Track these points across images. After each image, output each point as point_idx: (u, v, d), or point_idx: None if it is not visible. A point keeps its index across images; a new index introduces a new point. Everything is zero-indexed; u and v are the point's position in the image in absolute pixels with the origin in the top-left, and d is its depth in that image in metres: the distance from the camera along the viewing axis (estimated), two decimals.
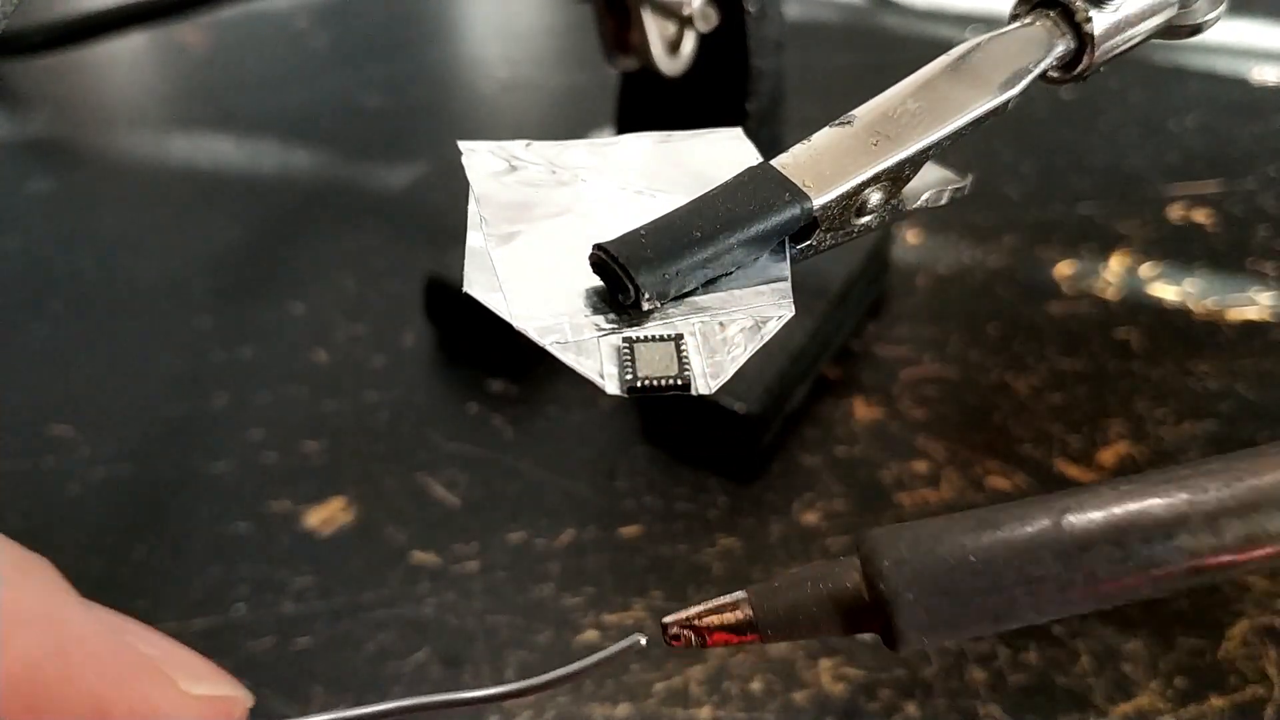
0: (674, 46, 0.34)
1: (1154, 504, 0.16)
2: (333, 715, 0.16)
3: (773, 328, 0.18)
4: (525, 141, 0.21)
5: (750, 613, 0.17)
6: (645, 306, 0.18)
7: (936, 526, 0.16)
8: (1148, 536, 0.16)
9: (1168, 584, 0.16)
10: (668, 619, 0.17)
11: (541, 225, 0.19)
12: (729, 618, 0.17)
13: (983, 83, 0.20)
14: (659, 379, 0.17)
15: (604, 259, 0.18)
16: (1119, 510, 0.16)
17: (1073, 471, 0.34)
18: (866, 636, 0.16)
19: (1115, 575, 0.16)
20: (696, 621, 0.17)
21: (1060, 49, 0.21)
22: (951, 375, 0.37)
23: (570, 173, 0.21)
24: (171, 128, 0.54)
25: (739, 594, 0.17)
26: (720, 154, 0.21)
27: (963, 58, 0.21)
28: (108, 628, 0.15)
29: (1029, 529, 0.16)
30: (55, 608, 0.14)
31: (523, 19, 0.65)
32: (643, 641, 0.17)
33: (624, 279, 0.18)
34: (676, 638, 0.17)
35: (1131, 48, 0.22)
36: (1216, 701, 0.28)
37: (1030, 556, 0.16)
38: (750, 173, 0.19)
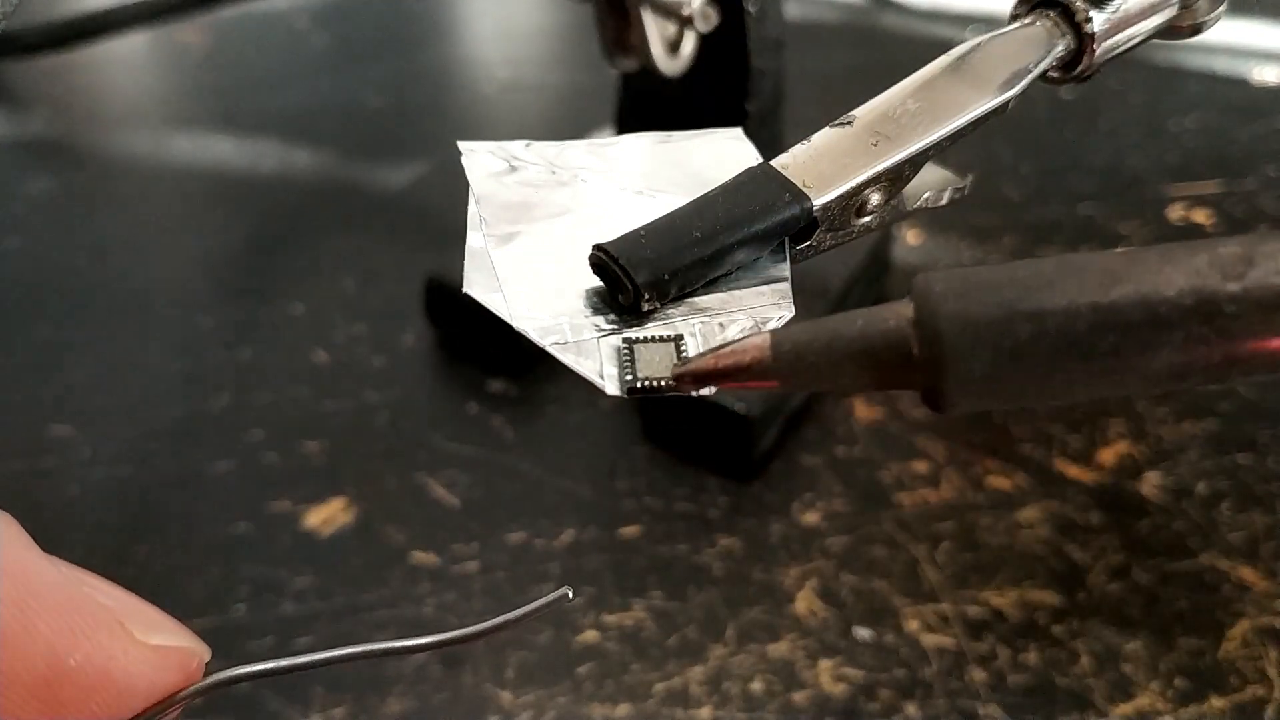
0: (674, 46, 0.34)
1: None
2: (271, 664, 0.16)
3: (773, 328, 0.18)
4: (525, 142, 0.21)
5: (769, 353, 0.15)
6: (645, 307, 0.18)
7: (1003, 274, 0.14)
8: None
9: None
10: (676, 368, 0.16)
11: (541, 225, 0.19)
12: (744, 359, 0.15)
13: (983, 83, 0.20)
14: (659, 380, 0.17)
15: (604, 259, 0.18)
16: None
17: (1073, 471, 0.34)
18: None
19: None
20: (709, 364, 0.16)
21: (1060, 49, 0.21)
22: None
23: (570, 173, 0.21)
24: (171, 128, 0.54)
25: (761, 334, 0.16)
26: (720, 154, 0.21)
27: (963, 58, 0.21)
28: (66, 580, 0.15)
29: (1116, 291, 0.14)
30: (13, 560, 0.14)
31: (523, 19, 0.65)
32: (570, 595, 0.17)
33: (624, 279, 0.17)
34: (682, 380, 0.16)
35: (1131, 48, 0.22)
36: (1216, 702, 0.28)
37: (1119, 323, 0.14)
38: (750, 173, 0.19)
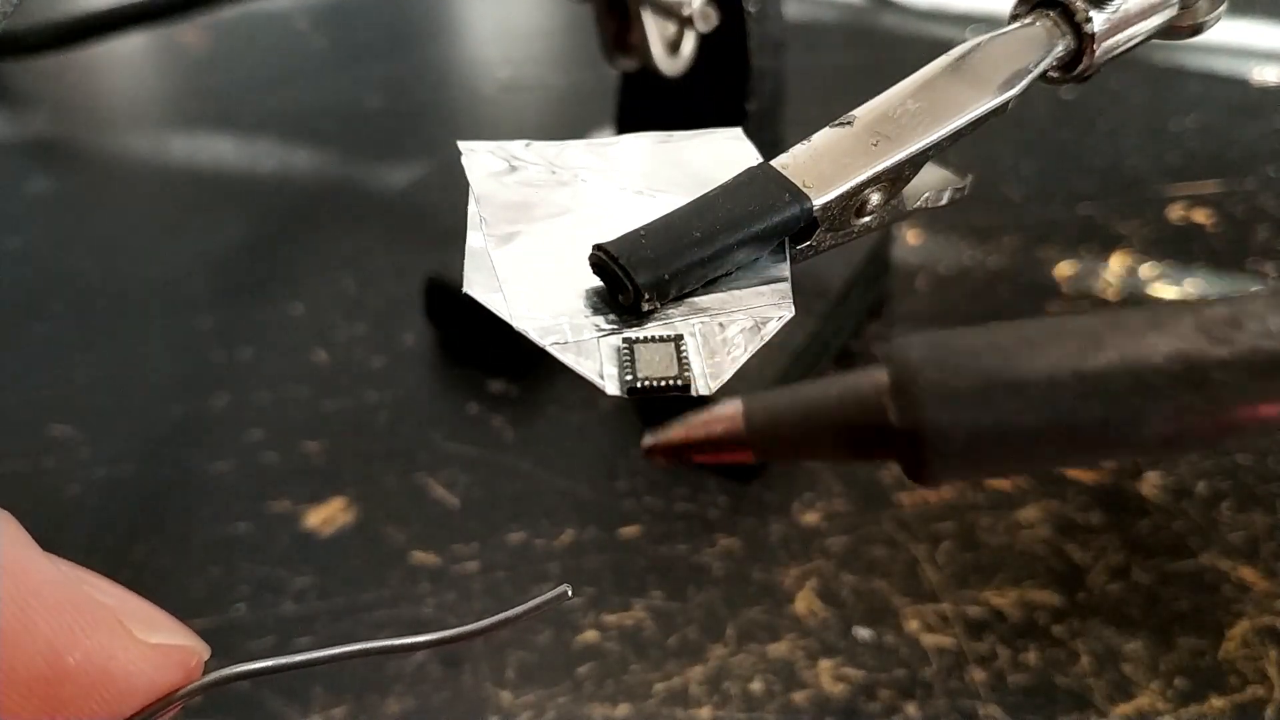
0: (674, 46, 0.34)
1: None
2: (269, 662, 0.16)
3: (773, 328, 0.18)
4: (525, 141, 0.21)
5: (741, 424, 0.15)
6: (645, 307, 0.18)
7: (981, 338, 0.14)
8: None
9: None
10: (647, 440, 0.15)
11: (541, 225, 0.19)
12: (716, 429, 0.15)
13: (983, 83, 0.20)
14: (659, 380, 0.17)
15: (604, 259, 0.18)
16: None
17: (1073, 471, 0.34)
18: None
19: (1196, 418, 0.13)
20: (680, 435, 0.15)
21: (1060, 49, 0.21)
22: None
23: (570, 173, 0.21)
24: (171, 128, 0.54)
25: (732, 402, 0.15)
26: (720, 154, 0.21)
27: (963, 58, 0.21)
28: (66, 578, 0.15)
29: (1101, 357, 0.13)
30: (13, 559, 0.14)
31: (523, 19, 0.65)
32: (569, 593, 0.17)
33: (624, 279, 0.17)
34: (652, 452, 0.15)
35: (1131, 48, 0.22)
36: (1216, 702, 0.28)
37: (1102, 388, 0.13)
38: (750, 173, 0.19)
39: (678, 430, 0.16)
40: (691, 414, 0.15)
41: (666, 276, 0.18)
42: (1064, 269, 0.42)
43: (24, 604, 0.14)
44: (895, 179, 0.20)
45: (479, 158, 0.21)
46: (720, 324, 0.18)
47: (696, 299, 0.18)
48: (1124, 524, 0.32)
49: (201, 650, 0.17)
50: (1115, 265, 0.42)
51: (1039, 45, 0.21)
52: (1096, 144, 0.49)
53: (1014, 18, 0.22)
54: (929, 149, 0.20)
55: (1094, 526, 0.32)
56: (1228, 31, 0.55)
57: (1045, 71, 0.21)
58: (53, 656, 0.14)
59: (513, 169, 0.21)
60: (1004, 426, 0.14)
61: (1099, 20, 0.21)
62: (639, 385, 0.17)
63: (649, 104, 0.37)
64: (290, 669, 0.17)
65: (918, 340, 0.14)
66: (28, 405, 0.38)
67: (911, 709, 0.28)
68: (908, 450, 0.14)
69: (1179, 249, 0.42)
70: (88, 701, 0.15)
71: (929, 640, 0.30)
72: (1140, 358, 0.14)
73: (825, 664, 0.29)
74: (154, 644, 0.16)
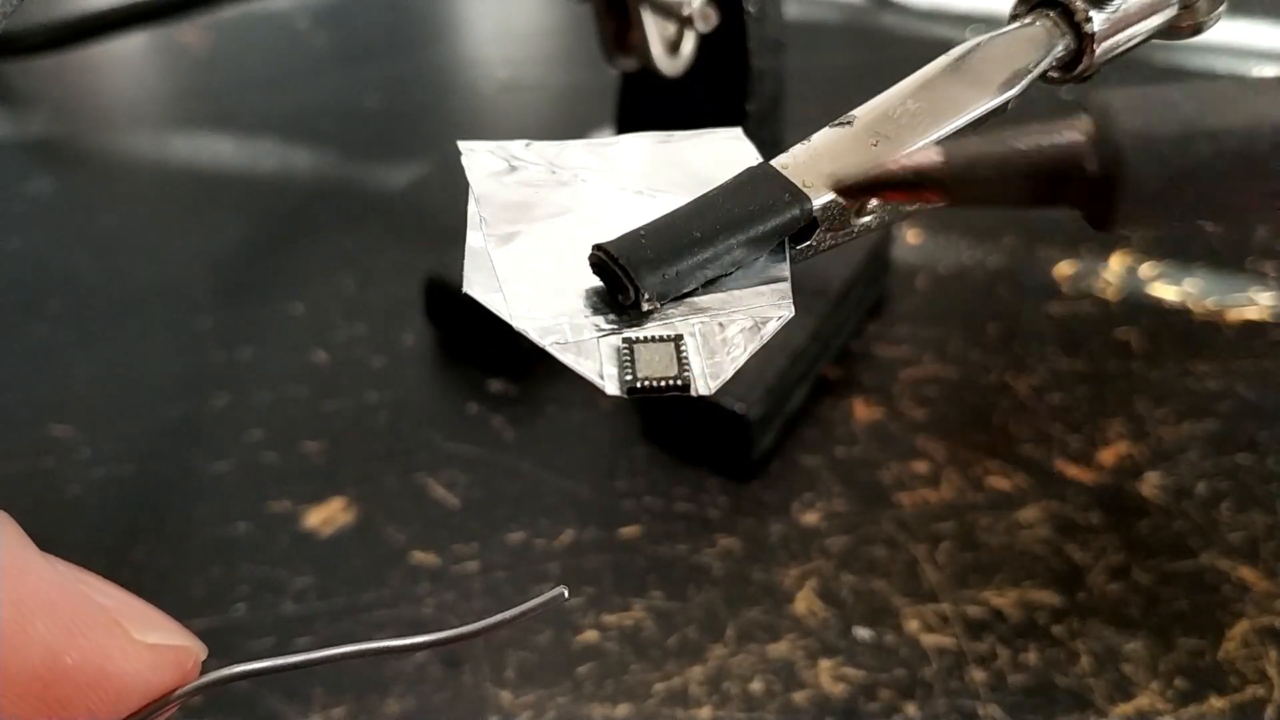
0: (674, 46, 0.34)
1: None
2: (267, 662, 0.16)
3: (773, 328, 0.18)
4: (525, 141, 0.21)
5: (943, 164, 0.15)
6: (645, 307, 0.18)
7: (1183, 93, 0.14)
8: None
9: None
10: (847, 179, 0.15)
11: (541, 225, 0.19)
12: (918, 164, 0.15)
13: (983, 83, 0.20)
14: (659, 380, 0.17)
15: (604, 259, 0.18)
16: None
17: (1073, 471, 0.34)
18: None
19: None
20: (880, 171, 0.15)
21: (1060, 49, 0.21)
22: (951, 375, 0.37)
23: (570, 173, 0.21)
24: (171, 128, 0.54)
25: (933, 147, 0.15)
26: (720, 154, 0.21)
27: (963, 58, 0.21)
28: (63, 578, 0.15)
29: None
30: (11, 559, 0.15)
31: (523, 19, 0.65)
32: (566, 594, 0.17)
33: (624, 279, 0.17)
34: (845, 191, 0.15)
35: (1131, 48, 0.22)
36: (1216, 702, 0.28)
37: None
38: (750, 173, 0.19)
39: (877, 166, 0.16)
40: (897, 157, 0.16)
41: (666, 276, 0.18)
42: (1064, 269, 0.42)
43: (22, 604, 0.14)
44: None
45: (479, 158, 0.21)
46: (720, 324, 0.18)
47: (696, 299, 0.18)
48: (1124, 524, 0.32)
49: (199, 651, 0.17)
50: (1115, 265, 0.42)
51: (1039, 45, 0.21)
52: None
53: (1014, 18, 0.22)
54: None
55: (1094, 526, 0.32)
56: (1228, 31, 0.55)
57: (1045, 71, 0.21)
58: (50, 656, 0.14)
59: (513, 169, 0.21)
60: (1198, 173, 0.14)
61: (1099, 20, 0.21)
62: (639, 385, 0.17)
63: (649, 104, 0.37)
64: (289, 669, 0.17)
65: (1119, 92, 0.15)
66: (28, 405, 0.38)
67: (911, 709, 0.28)
68: (1102, 193, 0.14)
69: (1179, 249, 0.42)
70: (85, 701, 0.15)
71: (929, 640, 0.30)
72: None
73: (825, 664, 0.29)
74: (151, 644, 0.16)
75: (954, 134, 0.20)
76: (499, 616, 0.17)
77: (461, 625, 0.17)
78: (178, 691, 0.16)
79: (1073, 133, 0.15)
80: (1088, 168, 0.15)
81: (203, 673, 0.17)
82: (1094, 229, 0.15)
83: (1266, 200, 0.14)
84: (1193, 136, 0.14)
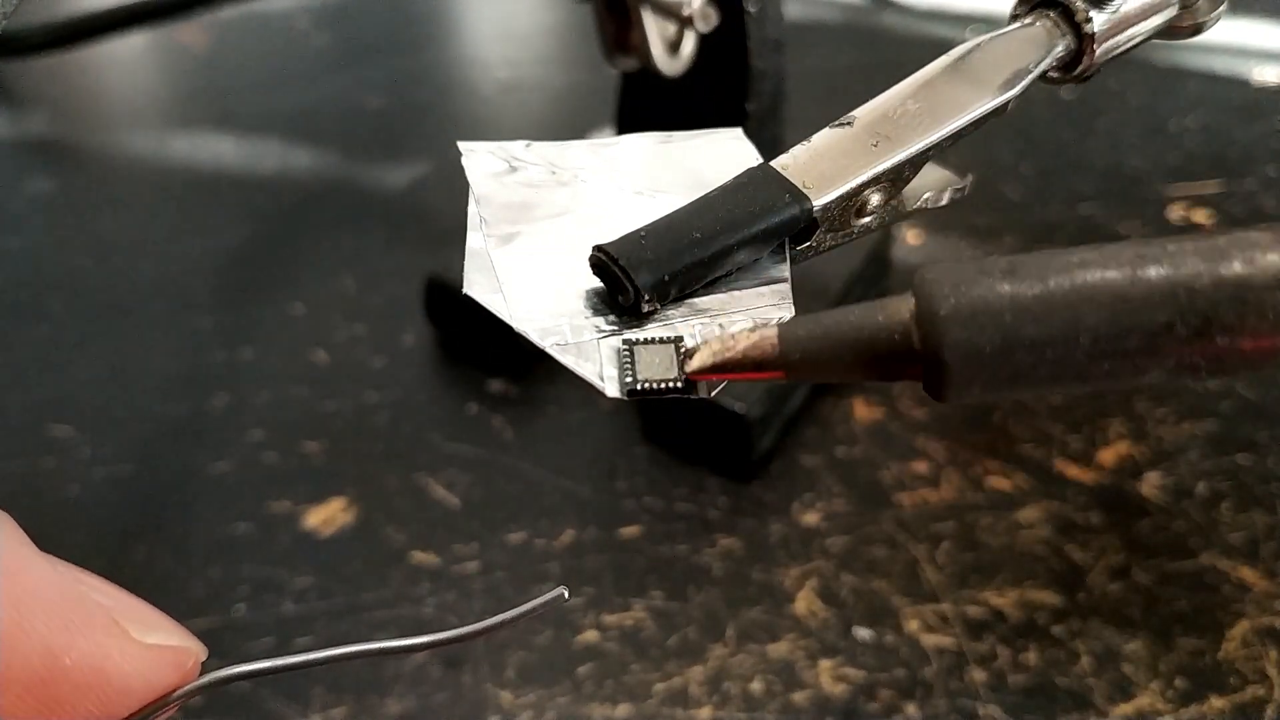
0: (674, 46, 0.34)
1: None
2: (267, 663, 0.16)
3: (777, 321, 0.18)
4: (525, 142, 0.21)
5: (776, 347, 0.16)
6: (645, 308, 0.18)
7: (1007, 299, 0.15)
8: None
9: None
10: (688, 366, 0.16)
11: (541, 226, 0.19)
12: (752, 353, 0.16)
13: (983, 83, 0.20)
14: (659, 381, 0.17)
15: (604, 260, 0.18)
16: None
17: (1073, 471, 0.34)
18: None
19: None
20: (719, 359, 0.16)
21: (1060, 49, 0.21)
22: None
23: (570, 173, 0.21)
24: (171, 128, 0.54)
25: (769, 327, 0.16)
26: (720, 154, 0.21)
27: (963, 58, 0.21)
28: (63, 578, 0.15)
29: (1109, 281, 0.14)
30: (10, 559, 0.15)
31: (523, 19, 0.65)
32: (566, 594, 0.17)
33: (624, 280, 0.17)
34: (694, 374, 0.16)
35: (1131, 48, 0.22)
36: (1216, 702, 0.28)
37: (1122, 312, 0.14)
38: (750, 174, 0.19)
39: (716, 355, 0.17)
40: (728, 336, 0.16)
41: (666, 277, 0.18)
42: None
43: (21, 604, 0.14)
44: (895, 179, 0.20)
45: (479, 158, 0.21)
46: (720, 325, 0.18)
47: (696, 300, 0.18)
48: (1124, 524, 0.32)
49: (199, 651, 0.17)
50: None
51: (1039, 45, 0.21)
52: (1096, 144, 0.49)
53: (1014, 18, 0.22)
54: (929, 149, 0.20)
55: (1094, 526, 0.32)
56: (1228, 31, 0.55)
57: (1045, 71, 0.21)
58: (49, 656, 0.14)
59: (513, 169, 0.21)
60: (1019, 378, 0.15)
61: (1099, 20, 0.21)
62: (639, 387, 0.17)
63: (649, 104, 0.37)
64: (288, 670, 0.17)
65: (946, 269, 0.15)
66: (28, 405, 0.38)
67: (911, 709, 0.28)
68: (930, 371, 0.15)
69: None
70: (84, 701, 0.15)
71: (929, 640, 0.30)
72: (1152, 321, 0.15)
73: (825, 664, 0.29)
74: (150, 644, 0.16)
75: (954, 134, 0.20)
76: (499, 617, 0.17)
77: (462, 625, 0.17)
78: (177, 692, 0.16)
79: (900, 314, 0.15)
80: (914, 347, 0.15)
81: (203, 673, 0.17)
82: (932, 397, 0.15)
83: (1084, 391, 0.15)
84: (1014, 349, 0.15)
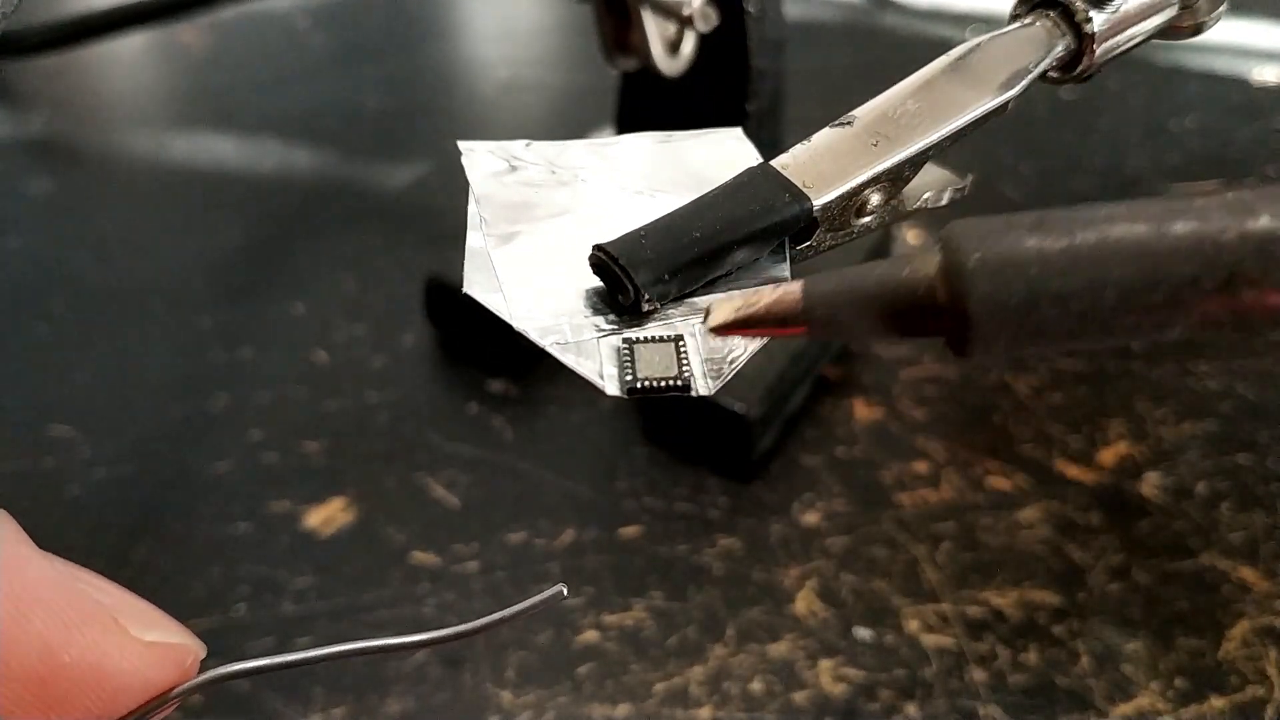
0: (674, 46, 0.34)
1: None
2: (265, 660, 0.16)
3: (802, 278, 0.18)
4: (525, 141, 0.21)
5: (800, 304, 0.16)
6: (645, 307, 0.18)
7: (1033, 252, 0.15)
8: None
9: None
10: (710, 321, 0.16)
11: (541, 225, 0.19)
12: (776, 309, 0.16)
13: (983, 83, 0.20)
14: (659, 380, 0.17)
15: (604, 260, 0.18)
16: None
17: (1073, 471, 0.34)
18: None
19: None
20: (742, 315, 0.16)
21: (1060, 49, 0.21)
22: (951, 375, 0.37)
23: (570, 173, 0.21)
24: (171, 128, 0.54)
25: (794, 282, 0.16)
26: (720, 154, 0.21)
27: (963, 58, 0.21)
28: (61, 576, 0.15)
29: (1135, 235, 0.14)
30: (9, 556, 0.15)
31: (523, 19, 0.65)
32: (564, 592, 0.17)
33: (624, 280, 0.17)
34: (716, 331, 0.16)
35: (1131, 48, 0.22)
36: (1216, 702, 0.28)
37: (1148, 265, 0.14)
38: (750, 173, 0.19)
39: (739, 310, 0.16)
40: (750, 292, 0.16)
41: (666, 277, 0.18)
42: None
43: (20, 601, 0.14)
44: (895, 179, 0.20)
45: (479, 158, 0.21)
46: None
47: (696, 299, 0.18)
48: (1124, 524, 0.32)
49: (198, 649, 0.17)
50: None
51: (1039, 45, 0.21)
52: (1096, 144, 0.49)
53: (1014, 18, 0.22)
54: (929, 149, 0.20)
55: (1094, 526, 0.32)
56: (1228, 31, 0.55)
57: (1045, 71, 0.21)
58: (47, 654, 0.14)
59: (513, 169, 0.21)
60: (1043, 330, 0.15)
61: (1099, 20, 0.21)
62: (639, 385, 0.17)
63: (649, 104, 0.37)
64: (286, 667, 0.17)
65: (973, 222, 0.15)
66: (28, 405, 0.38)
67: (911, 709, 0.28)
68: (955, 326, 0.15)
69: None
70: (82, 699, 0.15)
71: (929, 640, 0.30)
72: (1179, 274, 0.15)
73: (825, 664, 0.29)
74: (149, 642, 0.16)
75: (954, 134, 0.20)
76: (498, 614, 0.17)
77: (458, 625, 0.17)
78: (176, 690, 0.16)
79: (926, 268, 0.15)
80: (939, 300, 0.15)
81: (202, 671, 0.17)
82: (954, 355, 0.15)
83: (1108, 344, 0.15)
84: (1039, 300, 0.15)
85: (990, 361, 0.14)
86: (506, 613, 0.17)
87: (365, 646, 0.17)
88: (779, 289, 0.16)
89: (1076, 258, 0.15)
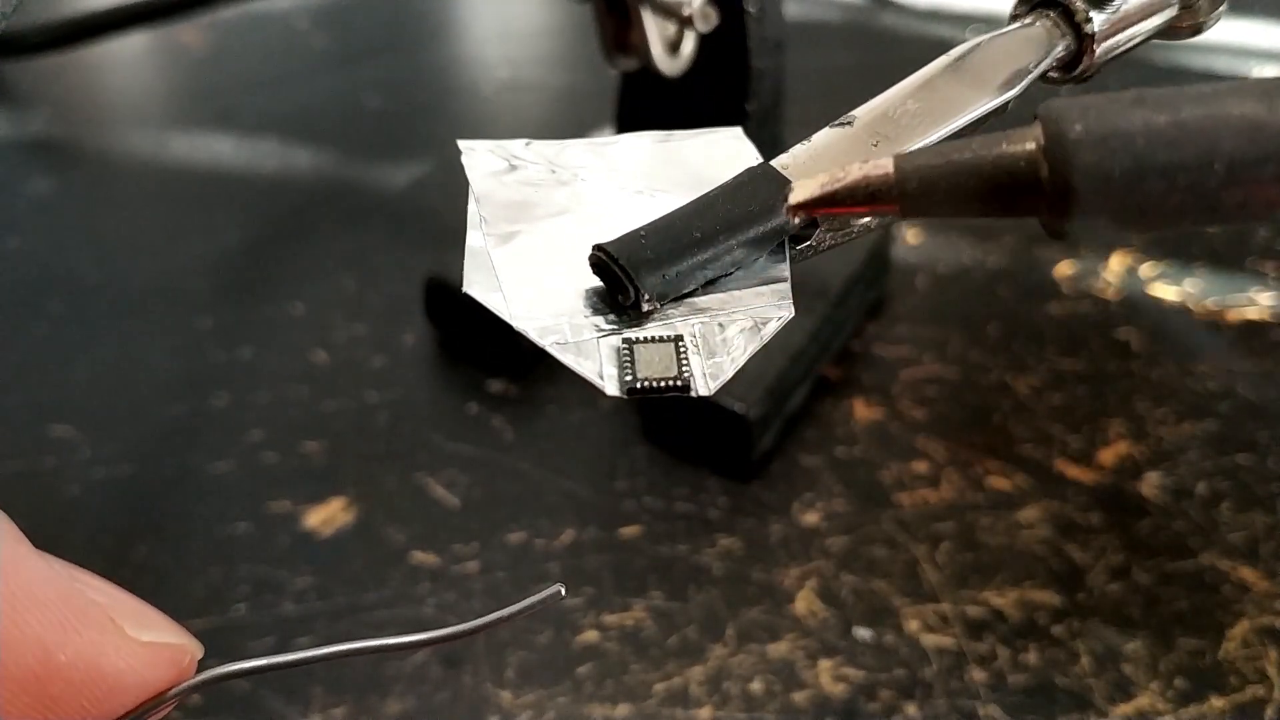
0: (674, 46, 0.34)
1: None
2: (263, 660, 0.16)
3: (773, 328, 0.18)
4: (525, 141, 0.21)
5: (893, 177, 0.15)
6: (645, 307, 0.18)
7: (1139, 123, 0.14)
8: None
9: None
10: (794, 196, 0.15)
11: (541, 225, 0.19)
12: (870, 180, 0.15)
13: (983, 83, 0.20)
14: (659, 380, 0.17)
15: (604, 260, 0.18)
16: None
17: (1073, 471, 0.34)
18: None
19: None
20: (833, 187, 0.15)
21: (1060, 49, 0.21)
22: (951, 375, 0.37)
23: (570, 172, 0.21)
24: (171, 128, 0.54)
25: (885, 158, 0.15)
26: (720, 154, 0.21)
27: (963, 58, 0.21)
28: (58, 575, 0.15)
29: (1245, 111, 0.14)
30: (5, 556, 0.15)
31: (523, 19, 0.65)
32: (563, 592, 0.17)
33: (624, 280, 0.17)
34: (798, 208, 0.16)
35: (1131, 48, 0.22)
36: (1216, 702, 0.28)
37: (1250, 141, 0.14)
38: (750, 173, 0.19)
39: (825, 185, 0.16)
40: (836, 168, 0.16)
41: (666, 277, 0.18)
42: (1064, 269, 0.42)
43: (16, 601, 0.14)
44: None
45: (479, 157, 0.21)
46: (720, 324, 0.18)
47: (696, 299, 0.18)
48: (1124, 524, 0.32)
49: (194, 649, 0.17)
50: (1115, 265, 0.42)
51: (1039, 45, 0.21)
52: None
53: (1014, 18, 0.22)
54: None
55: (1094, 526, 0.32)
56: (1228, 31, 0.55)
57: (1045, 71, 0.21)
58: (44, 653, 0.14)
59: (513, 168, 0.21)
60: (1148, 206, 0.14)
61: (1099, 20, 0.21)
62: (639, 385, 0.17)
63: (649, 104, 0.37)
64: (285, 667, 0.17)
65: (1074, 101, 0.15)
66: (28, 405, 0.38)
67: (911, 709, 0.28)
68: (1055, 200, 0.14)
69: (1179, 249, 0.42)
70: (78, 699, 0.15)
71: (929, 640, 0.30)
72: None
73: (825, 664, 0.29)
74: (146, 642, 0.16)
75: (954, 134, 0.20)
76: (496, 614, 0.17)
77: (461, 624, 0.17)
78: (173, 690, 0.16)
79: (1025, 141, 0.15)
80: (1040, 175, 0.15)
81: (200, 671, 0.17)
82: (1051, 237, 0.15)
83: (1212, 223, 0.15)
84: (1144, 173, 0.14)
85: (1089, 238, 0.13)
86: (504, 612, 0.17)
87: (363, 646, 0.17)
88: (870, 162, 0.16)
89: (1185, 130, 0.14)
